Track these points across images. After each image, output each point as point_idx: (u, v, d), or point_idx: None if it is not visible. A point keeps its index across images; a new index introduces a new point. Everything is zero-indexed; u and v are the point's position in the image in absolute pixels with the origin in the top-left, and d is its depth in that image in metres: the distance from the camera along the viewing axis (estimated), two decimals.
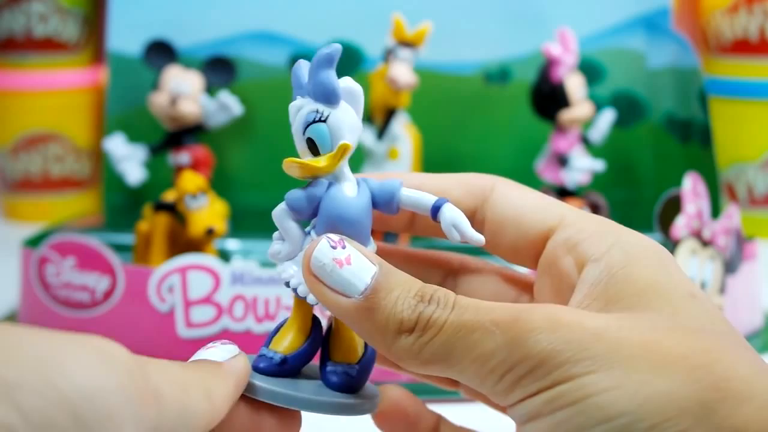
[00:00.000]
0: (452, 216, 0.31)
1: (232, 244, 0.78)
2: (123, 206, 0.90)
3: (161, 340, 0.65)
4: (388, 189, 0.32)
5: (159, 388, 0.28)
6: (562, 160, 0.76)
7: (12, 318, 0.74)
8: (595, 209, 0.74)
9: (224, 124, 0.80)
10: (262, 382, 0.32)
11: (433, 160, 0.86)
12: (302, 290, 0.32)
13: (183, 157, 0.79)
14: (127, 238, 0.76)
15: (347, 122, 0.32)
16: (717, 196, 0.85)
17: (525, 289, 0.37)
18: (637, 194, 0.92)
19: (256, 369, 0.33)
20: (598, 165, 0.77)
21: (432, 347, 0.30)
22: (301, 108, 0.32)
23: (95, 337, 0.27)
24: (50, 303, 0.68)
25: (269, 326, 0.64)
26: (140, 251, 0.72)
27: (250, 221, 0.82)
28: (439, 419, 0.38)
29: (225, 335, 0.64)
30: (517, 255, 0.35)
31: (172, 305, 0.64)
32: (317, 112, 0.32)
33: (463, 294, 0.32)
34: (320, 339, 0.34)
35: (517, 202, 0.35)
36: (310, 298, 0.32)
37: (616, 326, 0.29)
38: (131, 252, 0.73)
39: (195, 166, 0.78)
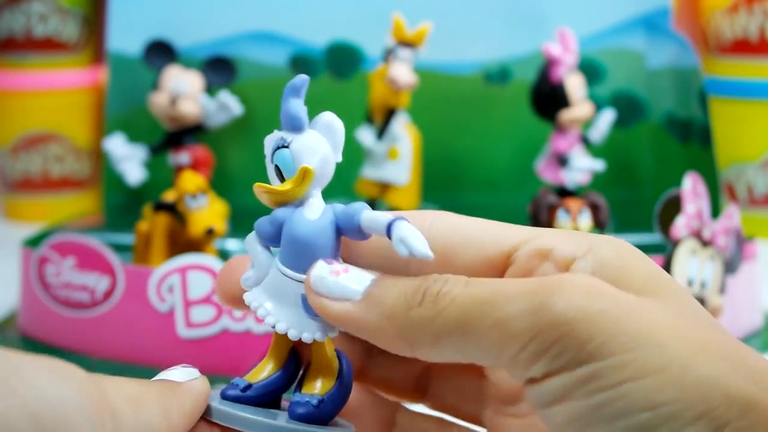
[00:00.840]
0: (402, 231, 0.30)
1: (232, 244, 0.78)
2: (123, 206, 0.90)
3: (161, 340, 0.65)
4: (350, 211, 0.32)
5: (115, 404, 0.28)
6: (562, 160, 0.76)
7: (12, 318, 0.74)
8: (595, 209, 0.74)
9: (224, 124, 0.80)
10: (222, 406, 0.32)
11: (433, 160, 0.87)
12: (280, 327, 0.32)
13: (183, 157, 0.79)
14: (127, 238, 0.76)
15: (310, 147, 0.32)
16: (717, 196, 0.85)
17: None
18: (637, 194, 0.92)
19: (222, 396, 0.33)
20: (598, 165, 0.77)
21: (446, 316, 0.28)
22: (272, 139, 0.32)
23: (51, 358, 0.28)
24: (50, 303, 0.68)
25: (269, 327, 0.64)
26: (140, 251, 0.72)
27: (250, 221, 0.82)
28: (397, 408, 0.36)
29: (225, 335, 0.64)
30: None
31: (172, 305, 0.64)
32: (282, 138, 0.32)
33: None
34: (295, 372, 0.33)
35: (467, 225, 0.32)
36: (291, 333, 0.32)
37: (646, 304, 0.27)
38: (131, 252, 0.73)
39: (195, 166, 0.78)
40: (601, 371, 0.26)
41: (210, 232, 0.68)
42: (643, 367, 0.25)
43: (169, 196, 0.72)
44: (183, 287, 0.64)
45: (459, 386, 0.35)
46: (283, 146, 0.32)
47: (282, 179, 0.32)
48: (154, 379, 0.32)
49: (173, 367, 0.32)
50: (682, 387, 0.25)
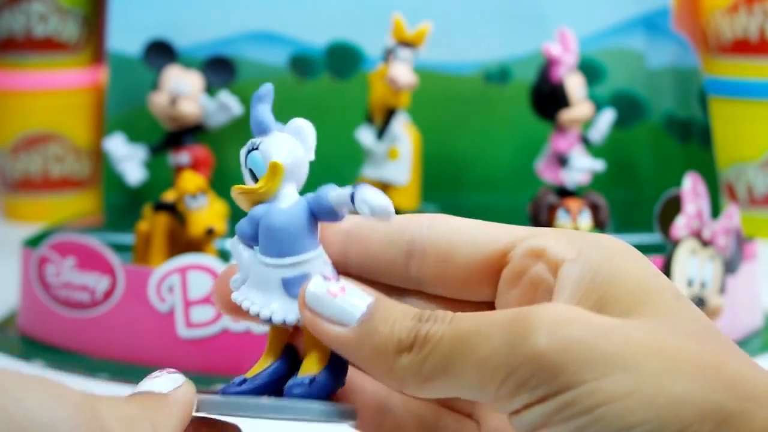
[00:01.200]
0: (363, 193, 0.31)
1: None
2: (123, 206, 0.90)
3: (161, 340, 0.65)
4: (320, 194, 0.33)
5: (108, 425, 0.28)
6: (562, 160, 0.76)
7: (12, 318, 0.74)
8: (595, 209, 0.74)
9: (224, 124, 0.80)
10: (210, 398, 0.33)
11: (433, 160, 0.86)
12: (264, 313, 0.33)
13: (183, 157, 0.79)
14: (127, 238, 0.76)
15: (277, 144, 0.33)
16: (717, 196, 0.85)
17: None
18: (637, 194, 0.92)
19: (221, 393, 0.33)
20: (598, 165, 0.77)
21: (432, 360, 0.29)
22: (245, 146, 0.34)
23: (46, 377, 0.28)
24: (50, 303, 0.68)
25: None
26: (140, 251, 0.72)
27: None
28: (391, 392, 0.36)
29: (225, 335, 0.64)
30: (470, 277, 0.33)
31: (172, 305, 0.64)
32: (251, 143, 0.34)
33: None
34: (292, 368, 0.34)
35: (464, 225, 0.33)
36: (275, 317, 0.33)
37: (620, 324, 0.28)
38: (131, 252, 0.73)
39: (195, 166, 0.78)
40: (576, 399, 0.26)
41: (210, 232, 0.68)
42: (615, 391, 0.26)
43: (169, 196, 0.72)
44: (183, 287, 0.64)
45: None
46: (254, 149, 0.34)
47: (256, 181, 0.33)
48: (138, 389, 0.32)
49: (157, 373, 0.32)
50: (655, 407, 0.26)
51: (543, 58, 0.75)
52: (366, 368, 0.31)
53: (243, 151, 0.34)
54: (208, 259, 0.65)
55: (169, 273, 0.64)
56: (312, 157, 0.34)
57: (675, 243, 0.64)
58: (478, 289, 0.33)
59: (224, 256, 0.75)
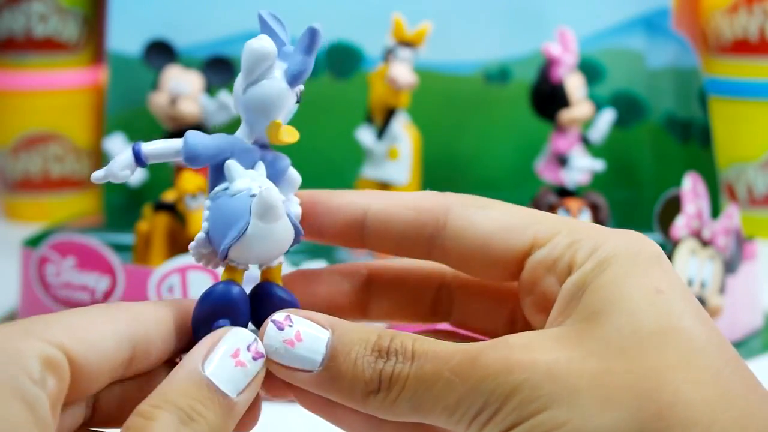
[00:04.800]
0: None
1: None
2: (123, 206, 0.90)
3: None
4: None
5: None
6: (561, 160, 0.76)
7: (12, 318, 0.74)
8: (595, 209, 0.74)
9: (224, 124, 0.80)
10: None
11: (433, 160, 0.86)
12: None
13: None
14: (127, 238, 0.76)
15: None
16: (717, 196, 0.85)
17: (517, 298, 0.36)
18: (637, 194, 0.92)
19: None
20: (598, 165, 0.77)
21: (402, 403, 0.31)
22: None
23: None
24: (50, 303, 0.68)
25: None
26: (140, 251, 0.72)
27: None
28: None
29: None
30: (491, 278, 0.35)
31: None
32: None
33: (460, 312, 0.35)
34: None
35: (480, 228, 0.33)
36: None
37: (566, 359, 0.30)
38: (131, 252, 0.73)
39: None
40: (528, 429, 0.29)
41: None
42: (551, 423, 0.29)
43: (169, 196, 0.72)
44: (183, 287, 0.64)
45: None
46: None
47: None
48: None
49: None
50: None
51: (543, 58, 0.75)
52: (340, 403, 0.32)
53: None
54: None
55: (169, 273, 0.64)
56: (239, 81, 0.34)
57: (675, 243, 0.64)
58: (499, 281, 0.35)
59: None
